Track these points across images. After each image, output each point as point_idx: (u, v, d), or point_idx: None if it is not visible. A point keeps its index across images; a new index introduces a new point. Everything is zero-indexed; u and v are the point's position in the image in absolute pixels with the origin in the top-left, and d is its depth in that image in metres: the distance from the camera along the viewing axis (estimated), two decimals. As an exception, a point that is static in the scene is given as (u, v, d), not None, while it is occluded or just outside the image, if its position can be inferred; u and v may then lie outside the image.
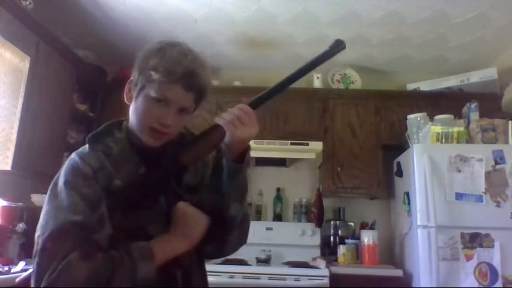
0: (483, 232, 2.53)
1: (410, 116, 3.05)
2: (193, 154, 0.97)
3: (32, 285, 0.82)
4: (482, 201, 2.57)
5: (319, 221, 3.25)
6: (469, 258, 2.51)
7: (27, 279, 0.88)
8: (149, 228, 0.94)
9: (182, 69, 0.95)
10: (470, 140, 2.80)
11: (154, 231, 0.93)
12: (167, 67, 0.94)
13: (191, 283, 1.00)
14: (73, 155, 0.98)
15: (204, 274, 1.08)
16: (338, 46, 1.04)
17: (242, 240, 1.10)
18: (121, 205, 0.91)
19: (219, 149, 0.99)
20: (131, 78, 1.02)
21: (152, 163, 0.97)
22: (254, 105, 1.01)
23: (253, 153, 3.68)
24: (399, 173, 3.10)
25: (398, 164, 3.14)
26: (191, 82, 0.96)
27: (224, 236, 1.03)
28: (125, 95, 1.04)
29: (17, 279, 1.01)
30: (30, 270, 0.85)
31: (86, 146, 1.00)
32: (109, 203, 0.90)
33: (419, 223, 2.62)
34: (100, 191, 0.91)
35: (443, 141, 2.78)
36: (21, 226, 2.49)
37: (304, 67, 1.05)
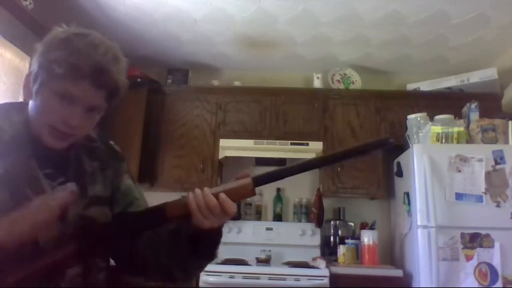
0: (483, 232, 2.53)
1: (410, 116, 3.05)
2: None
3: None
4: (482, 202, 2.57)
5: (319, 221, 3.24)
6: (469, 258, 2.51)
7: None
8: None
9: (90, 64, 0.84)
10: (470, 140, 2.80)
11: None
12: (73, 61, 0.83)
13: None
14: None
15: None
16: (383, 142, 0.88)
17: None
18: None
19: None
20: (30, 71, 0.89)
21: (45, 158, 0.88)
22: (258, 183, 0.86)
23: (253, 153, 3.68)
24: (399, 173, 3.09)
25: (398, 164, 3.14)
26: (101, 78, 0.85)
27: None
28: (22, 91, 0.91)
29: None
30: None
31: None
32: None
33: (419, 223, 2.62)
34: None
35: (443, 141, 2.78)
36: None
37: (332, 156, 0.90)
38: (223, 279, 2.69)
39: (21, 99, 2.55)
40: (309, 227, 3.31)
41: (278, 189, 3.50)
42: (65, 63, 0.83)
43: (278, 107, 3.37)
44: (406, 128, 3.06)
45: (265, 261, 3.00)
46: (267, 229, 3.32)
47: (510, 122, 2.80)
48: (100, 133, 1.02)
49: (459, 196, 2.59)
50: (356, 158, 0.91)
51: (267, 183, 0.87)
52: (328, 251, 3.28)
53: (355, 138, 3.30)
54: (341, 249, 2.99)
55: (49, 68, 0.84)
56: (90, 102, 0.87)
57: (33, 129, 0.90)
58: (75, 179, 0.91)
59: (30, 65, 0.92)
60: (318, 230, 3.30)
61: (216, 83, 3.63)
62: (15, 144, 0.87)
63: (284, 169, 0.88)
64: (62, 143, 0.89)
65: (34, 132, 0.90)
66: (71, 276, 0.87)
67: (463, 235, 2.54)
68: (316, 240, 3.29)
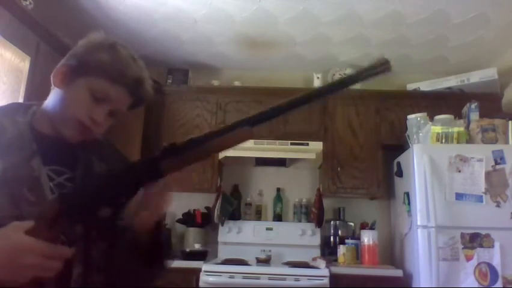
0: (483, 232, 2.53)
1: (410, 116, 3.05)
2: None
3: None
4: (482, 202, 2.57)
5: (319, 221, 3.24)
6: (469, 258, 2.51)
7: None
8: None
9: (133, 74, 0.94)
10: (470, 140, 2.80)
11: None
12: (119, 67, 0.92)
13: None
14: None
15: None
16: (382, 66, 0.87)
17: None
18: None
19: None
20: (67, 63, 0.94)
21: (51, 155, 0.90)
22: (253, 122, 0.84)
23: (253, 153, 3.68)
24: (399, 173, 3.09)
25: (398, 164, 3.14)
26: (137, 89, 0.95)
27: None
28: (57, 78, 0.94)
29: None
30: None
31: None
32: None
33: (419, 223, 2.62)
34: None
35: (443, 141, 2.78)
36: None
37: (332, 85, 0.90)
38: (223, 279, 2.69)
39: (20, 100, 2.54)
40: (309, 227, 3.31)
41: (278, 189, 3.51)
42: (112, 67, 0.91)
43: (278, 107, 3.37)
44: (406, 128, 3.06)
45: (265, 261, 3.00)
46: (267, 229, 3.32)
47: (510, 122, 2.80)
48: (107, 137, 1.04)
49: (459, 196, 2.59)
50: (357, 83, 0.89)
51: (264, 122, 0.84)
52: (328, 251, 3.28)
53: (355, 138, 3.30)
54: (341, 249, 2.99)
55: (93, 66, 0.91)
56: (117, 106, 0.94)
57: (43, 122, 0.93)
58: (84, 177, 0.93)
59: (68, 56, 0.96)
60: (318, 230, 3.30)
61: (216, 83, 3.63)
62: (17, 143, 0.88)
63: (285, 103, 0.86)
64: (80, 137, 0.93)
65: (43, 126, 0.93)
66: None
67: (463, 235, 2.54)
68: (317, 240, 3.29)
